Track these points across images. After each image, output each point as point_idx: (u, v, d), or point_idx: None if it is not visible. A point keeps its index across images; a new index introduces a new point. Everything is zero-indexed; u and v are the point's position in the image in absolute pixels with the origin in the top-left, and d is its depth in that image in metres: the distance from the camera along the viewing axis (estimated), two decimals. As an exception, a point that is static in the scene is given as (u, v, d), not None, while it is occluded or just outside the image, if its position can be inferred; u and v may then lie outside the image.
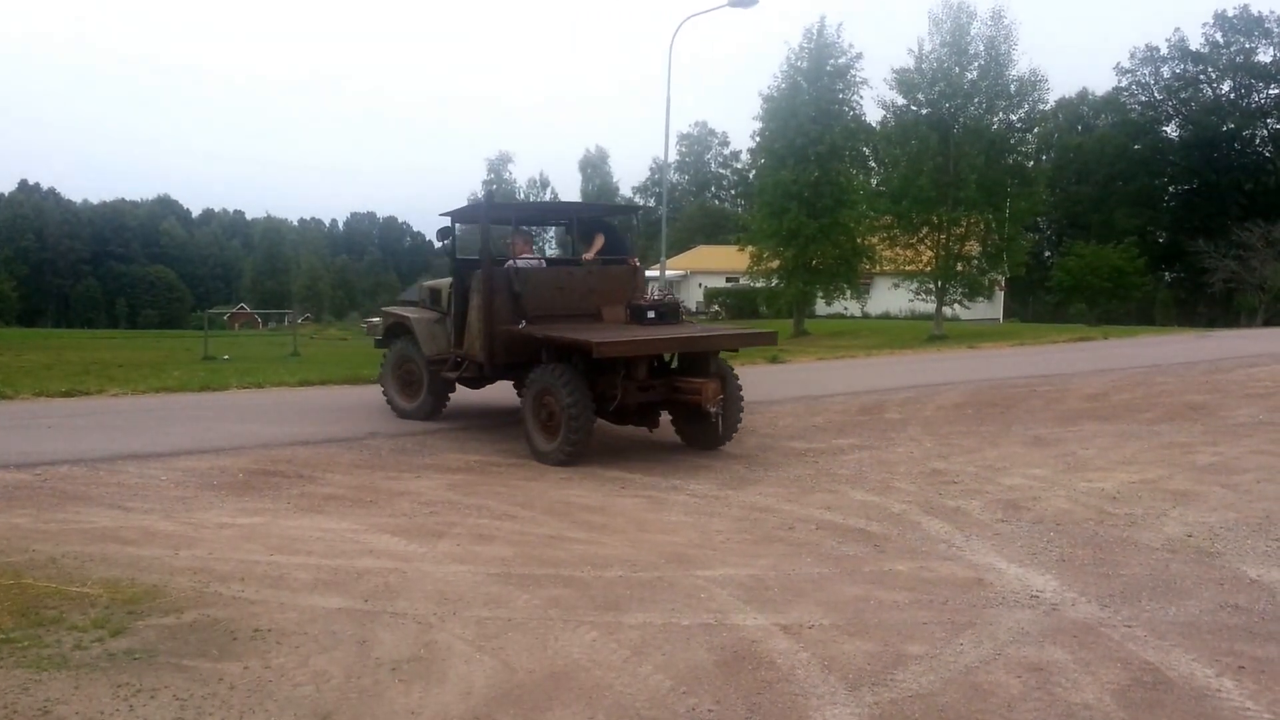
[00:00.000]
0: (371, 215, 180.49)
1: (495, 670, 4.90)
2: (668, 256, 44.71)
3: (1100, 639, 5.31)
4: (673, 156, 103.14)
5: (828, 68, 43.52)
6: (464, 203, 16.16)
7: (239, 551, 7.10)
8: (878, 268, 45.54)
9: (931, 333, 38.72)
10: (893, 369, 22.13)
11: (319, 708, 4.48)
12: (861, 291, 50.82)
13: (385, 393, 13.96)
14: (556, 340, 10.71)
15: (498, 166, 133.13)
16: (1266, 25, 79.63)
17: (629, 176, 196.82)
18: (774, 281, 44.02)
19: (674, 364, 11.82)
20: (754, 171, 50.34)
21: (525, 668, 4.93)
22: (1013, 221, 41.30)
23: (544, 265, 12.59)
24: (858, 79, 44.31)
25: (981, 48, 39.99)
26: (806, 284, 43.27)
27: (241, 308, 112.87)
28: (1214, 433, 12.02)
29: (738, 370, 12.39)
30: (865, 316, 59.93)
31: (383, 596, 6.06)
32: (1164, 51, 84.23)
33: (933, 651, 5.08)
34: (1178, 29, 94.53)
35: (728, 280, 67.60)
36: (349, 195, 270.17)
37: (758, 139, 46.75)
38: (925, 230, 40.53)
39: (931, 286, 40.97)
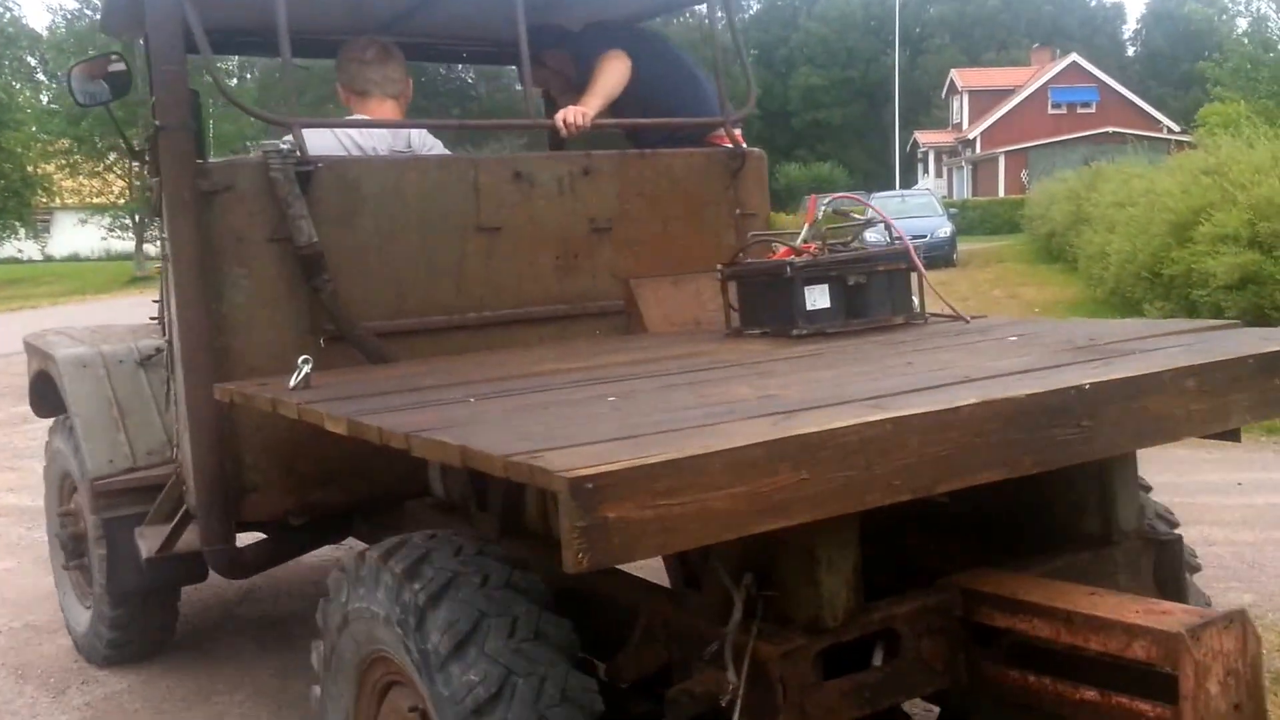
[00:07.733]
0: None
1: None
2: None
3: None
4: None
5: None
6: None
7: None
8: (58, 201, 41.19)
9: (134, 273, 34.81)
10: (92, 317, 20.33)
11: None
12: (39, 230, 46.02)
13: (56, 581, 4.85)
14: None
15: None
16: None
17: None
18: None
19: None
20: None
21: None
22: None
23: (439, 151, 3.74)
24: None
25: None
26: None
27: None
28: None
29: None
30: (48, 260, 51.03)
31: None
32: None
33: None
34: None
35: None
36: None
37: None
38: (114, 157, 36.27)
39: (128, 221, 37.79)
